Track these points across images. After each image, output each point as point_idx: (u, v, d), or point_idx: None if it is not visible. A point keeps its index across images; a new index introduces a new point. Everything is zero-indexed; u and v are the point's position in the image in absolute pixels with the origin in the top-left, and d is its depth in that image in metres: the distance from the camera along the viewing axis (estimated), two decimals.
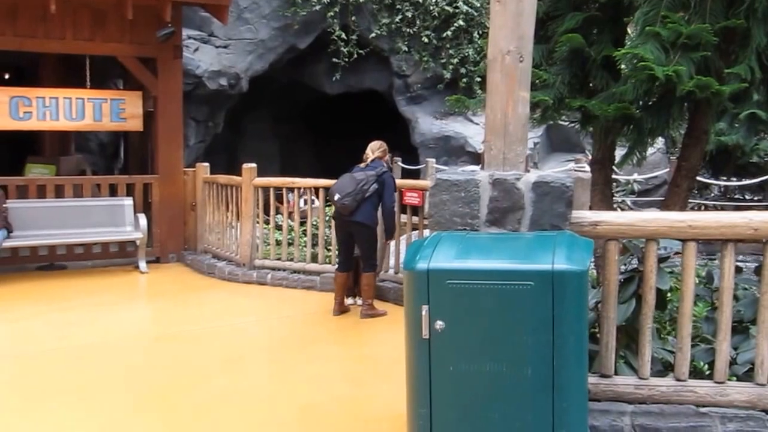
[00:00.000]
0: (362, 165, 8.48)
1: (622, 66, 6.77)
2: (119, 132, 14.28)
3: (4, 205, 10.29)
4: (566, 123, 8.71)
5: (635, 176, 17.31)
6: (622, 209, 17.12)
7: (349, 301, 8.66)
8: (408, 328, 3.44)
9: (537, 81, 7.27)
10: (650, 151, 16.24)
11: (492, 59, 4.15)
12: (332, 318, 8.29)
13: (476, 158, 15.47)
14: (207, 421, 5.37)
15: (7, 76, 16.12)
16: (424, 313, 3.34)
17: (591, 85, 7.36)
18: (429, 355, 3.38)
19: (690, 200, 17.02)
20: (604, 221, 4.30)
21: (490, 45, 4.16)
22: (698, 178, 17.33)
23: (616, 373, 4.65)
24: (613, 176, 16.57)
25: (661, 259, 4.83)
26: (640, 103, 6.84)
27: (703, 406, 4.44)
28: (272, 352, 7.29)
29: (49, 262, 11.21)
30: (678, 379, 4.48)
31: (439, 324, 3.33)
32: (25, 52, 11.46)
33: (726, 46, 6.62)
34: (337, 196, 8.13)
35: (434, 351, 3.37)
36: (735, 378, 4.73)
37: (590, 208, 8.57)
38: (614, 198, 17.15)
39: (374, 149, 8.60)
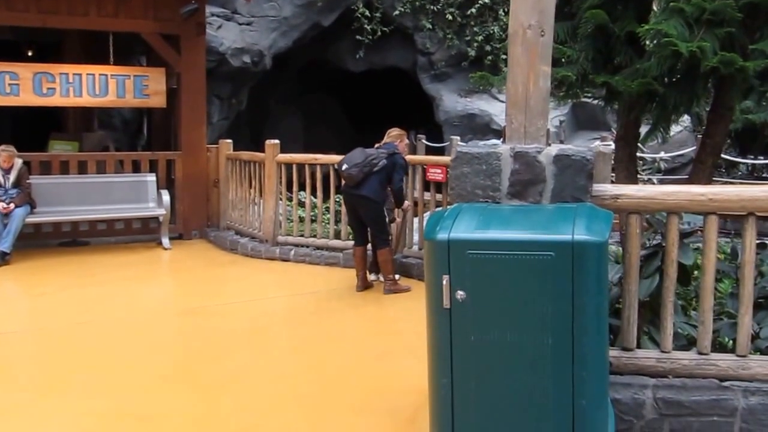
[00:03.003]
0: (376, 146, 8.45)
1: (646, 42, 6.72)
2: (143, 109, 14.33)
3: (27, 181, 10.37)
4: (591, 99, 8.67)
5: (662, 154, 17.22)
6: None
7: (372, 277, 8.66)
8: (429, 298, 3.45)
9: (561, 58, 7.25)
10: (677, 129, 16.27)
11: (513, 33, 4.14)
12: (355, 294, 8.32)
13: (502, 136, 15.43)
14: (230, 394, 5.40)
15: (30, 53, 16.18)
16: (444, 282, 3.33)
17: (615, 61, 7.30)
18: (450, 325, 3.37)
19: (716, 178, 16.95)
20: (625, 194, 4.29)
21: (511, 19, 4.15)
22: (725, 156, 17.25)
23: (639, 347, 4.65)
24: (640, 154, 16.59)
25: (685, 234, 4.81)
26: (665, 79, 6.78)
27: (726, 380, 4.42)
28: (294, 327, 7.33)
29: (71, 239, 11.30)
30: (700, 353, 4.46)
31: (460, 294, 3.32)
32: (49, 29, 11.46)
33: (751, 22, 6.56)
34: (344, 166, 8.10)
35: (455, 321, 3.36)
36: (758, 352, 4.71)
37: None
38: (640, 176, 17.15)
39: (390, 134, 8.56)
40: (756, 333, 4.81)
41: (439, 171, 8.79)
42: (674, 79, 6.78)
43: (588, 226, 3.29)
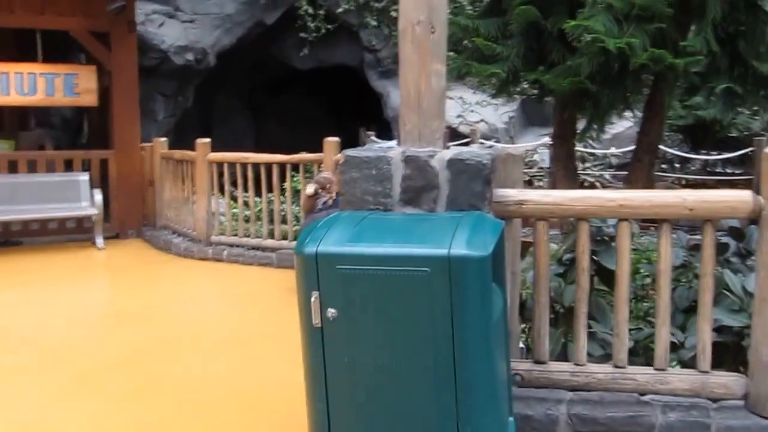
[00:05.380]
0: (330, 202, 7.92)
1: (576, 39, 6.53)
2: (82, 107, 13.98)
3: None
4: (523, 97, 8.52)
5: (612, 150, 17.13)
6: (602, 183, 16.98)
7: None
8: (301, 316, 3.18)
9: (492, 55, 7.05)
10: (627, 125, 16.20)
11: (402, 30, 3.88)
12: (281, 296, 8.03)
13: (451, 132, 15.25)
14: (141, 403, 5.16)
15: None
16: (313, 299, 3.07)
17: (548, 58, 7.12)
18: (322, 345, 3.10)
19: (669, 174, 16.92)
20: (530, 200, 4.03)
21: (400, 15, 3.90)
22: (677, 152, 17.22)
23: (565, 358, 4.46)
24: (590, 150, 16.50)
25: (612, 237, 4.61)
26: (597, 77, 6.61)
27: (645, 394, 4.20)
28: (217, 331, 7.03)
29: (3, 239, 10.96)
30: (616, 366, 4.23)
31: (331, 312, 3.05)
32: None
33: (682, 18, 6.38)
34: None
35: (327, 341, 3.09)
36: (681, 364, 4.50)
37: (554, 183, 8.40)
38: (591, 171, 17.08)
39: (329, 184, 8.03)
40: (680, 342, 4.59)
41: None
42: (606, 77, 6.61)
43: (469, 239, 3.02)
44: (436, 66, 3.83)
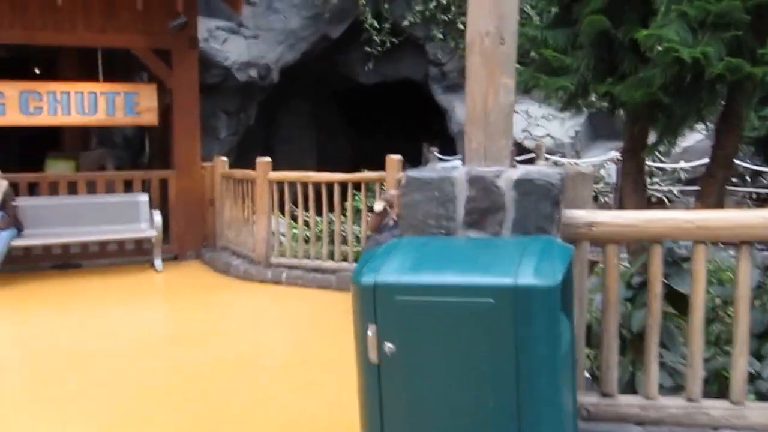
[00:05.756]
0: (390, 222, 7.71)
1: (650, 49, 6.23)
2: (143, 126, 13.99)
3: (13, 203, 10.01)
4: (594, 110, 8.22)
5: (682, 164, 16.65)
6: (668, 198, 16.52)
7: None
8: (357, 351, 2.97)
9: (560, 67, 6.80)
10: (697, 138, 15.72)
11: (470, 42, 3.66)
12: (342, 319, 7.82)
13: (517, 147, 14.93)
14: (198, 429, 5.07)
15: (37, 71, 15.87)
16: (370, 333, 2.87)
17: (619, 69, 6.83)
18: (379, 382, 2.89)
19: (740, 188, 16.39)
20: (601, 222, 3.77)
21: (468, 26, 3.68)
22: (749, 165, 16.66)
23: (633, 383, 4.23)
24: (659, 165, 16.05)
25: (684, 259, 4.33)
26: (670, 88, 6.29)
27: (720, 429, 3.90)
28: (276, 356, 6.87)
29: (63, 261, 10.93)
30: (689, 399, 3.93)
31: (389, 347, 2.85)
32: (43, 46, 11.21)
33: (760, 24, 6.06)
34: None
35: (384, 378, 2.88)
36: (757, 396, 4.19)
37: (621, 199, 8.11)
38: (660, 186, 16.61)
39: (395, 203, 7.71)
40: (757, 372, 4.28)
41: None
42: (680, 88, 6.31)
43: (537, 267, 2.79)
44: (505, 80, 3.61)
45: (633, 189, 7.34)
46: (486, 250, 3.26)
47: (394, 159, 8.92)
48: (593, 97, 7.41)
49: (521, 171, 3.57)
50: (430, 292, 2.83)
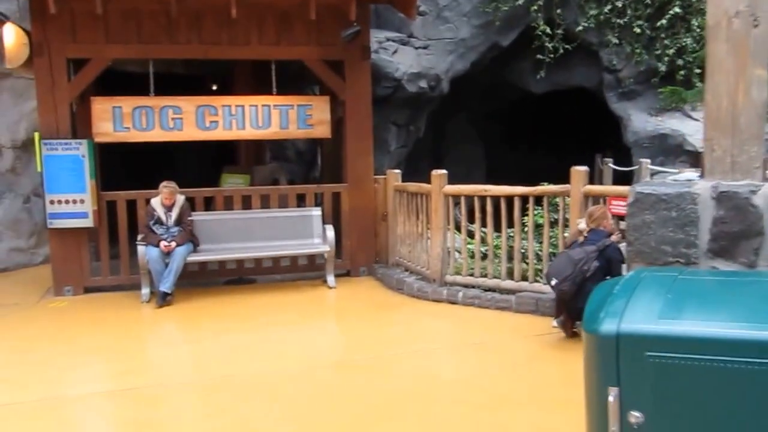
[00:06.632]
0: (580, 239, 7.36)
1: None
2: (315, 139, 13.85)
3: (189, 218, 9.97)
4: None
5: None
6: None
7: (554, 323, 7.60)
8: (589, 419, 2.40)
9: None
10: None
11: (713, 25, 3.04)
12: (524, 347, 7.31)
13: (696, 159, 13.95)
14: None
15: (214, 87, 16.02)
16: (611, 399, 2.28)
17: None
18: None
19: None
20: None
21: (709, 5, 3.05)
22: None
23: None
24: None
25: None
26: None
27: None
28: (453, 388, 6.38)
29: (237, 276, 10.91)
30: None
31: (636, 416, 2.26)
32: (218, 61, 11.28)
33: None
34: (554, 281, 7.10)
35: None
36: None
37: None
38: None
39: (593, 217, 7.43)
40: None
41: (623, 203, 7.63)
42: None
43: None
44: (759, 71, 2.99)
45: None
46: (752, 288, 2.60)
47: (579, 171, 8.31)
48: None
49: None
50: (696, 347, 2.24)
